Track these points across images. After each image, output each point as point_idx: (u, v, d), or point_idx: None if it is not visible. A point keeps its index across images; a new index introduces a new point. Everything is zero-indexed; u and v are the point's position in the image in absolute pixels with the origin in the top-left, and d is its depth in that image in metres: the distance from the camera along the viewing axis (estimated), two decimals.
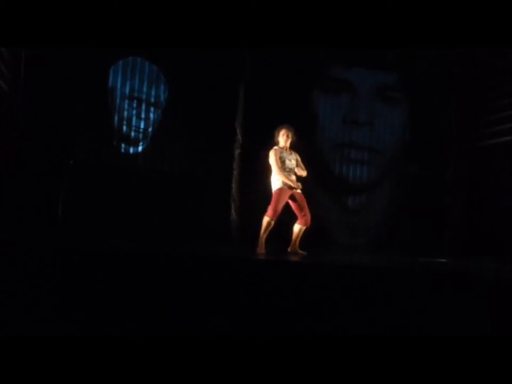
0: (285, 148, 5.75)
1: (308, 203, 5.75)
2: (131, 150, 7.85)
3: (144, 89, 7.83)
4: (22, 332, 3.45)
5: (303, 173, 5.74)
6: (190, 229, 7.24)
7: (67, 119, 7.34)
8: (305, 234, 5.73)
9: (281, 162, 5.64)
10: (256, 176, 7.49)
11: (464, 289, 4.27)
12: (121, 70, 7.74)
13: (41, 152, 7.04)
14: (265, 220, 5.58)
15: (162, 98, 7.90)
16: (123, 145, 7.80)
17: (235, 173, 7.63)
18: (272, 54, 7.35)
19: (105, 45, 5.26)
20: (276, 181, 5.65)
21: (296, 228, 5.70)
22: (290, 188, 5.61)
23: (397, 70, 8.26)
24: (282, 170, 5.61)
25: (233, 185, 7.63)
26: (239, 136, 7.68)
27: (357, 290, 4.19)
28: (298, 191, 5.68)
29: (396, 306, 4.13)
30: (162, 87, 7.88)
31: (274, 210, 5.55)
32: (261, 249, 5.54)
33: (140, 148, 7.87)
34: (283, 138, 5.73)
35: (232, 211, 7.61)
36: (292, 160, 5.74)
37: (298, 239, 5.71)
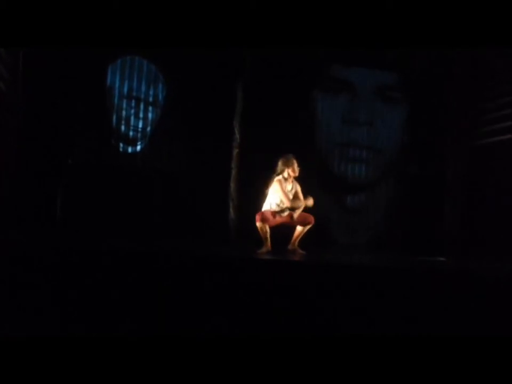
0: (289, 179, 5.73)
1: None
2: (129, 149, 7.83)
3: (143, 88, 7.80)
4: (22, 332, 3.45)
5: (300, 204, 5.71)
6: (189, 229, 7.23)
7: (65, 119, 7.32)
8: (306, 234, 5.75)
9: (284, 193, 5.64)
10: (254, 175, 7.50)
11: (464, 289, 4.28)
12: (119, 69, 7.71)
13: (40, 152, 7.01)
14: (257, 225, 5.63)
15: (160, 97, 7.88)
16: (121, 145, 7.78)
17: (233, 172, 7.61)
18: (271, 54, 7.33)
19: (103, 45, 5.25)
20: (265, 204, 5.72)
21: (299, 226, 5.74)
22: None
23: (397, 70, 8.25)
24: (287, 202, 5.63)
25: (232, 185, 7.61)
26: (237, 136, 7.66)
27: (357, 290, 4.19)
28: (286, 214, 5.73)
29: (396, 306, 4.13)
30: (160, 86, 7.86)
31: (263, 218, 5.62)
32: (266, 247, 5.59)
33: (138, 148, 7.85)
34: (292, 169, 5.70)
35: (231, 210, 7.60)
36: (290, 195, 5.74)
37: (299, 238, 5.73)
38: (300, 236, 5.74)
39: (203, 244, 6.16)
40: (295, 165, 5.72)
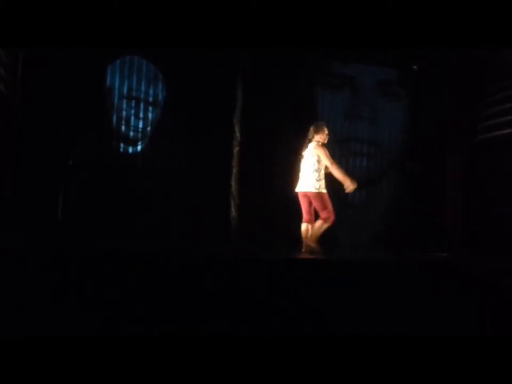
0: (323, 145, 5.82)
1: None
2: (130, 149, 7.83)
3: (142, 88, 7.81)
4: (22, 332, 3.45)
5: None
6: (190, 228, 7.23)
7: (65, 120, 7.31)
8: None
9: (317, 160, 5.71)
10: (255, 174, 7.50)
11: (465, 286, 4.28)
12: (118, 69, 7.72)
13: (40, 153, 7.02)
14: (323, 226, 5.68)
15: (160, 97, 7.88)
16: (122, 145, 7.79)
17: (234, 171, 7.61)
18: (271, 52, 7.31)
19: (103, 45, 5.24)
20: (317, 181, 5.70)
21: (318, 223, 5.75)
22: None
23: (397, 67, 8.27)
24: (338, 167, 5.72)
25: (233, 184, 7.61)
26: (237, 134, 7.66)
27: (357, 288, 4.19)
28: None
29: (397, 304, 4.13)
30: (160, 86, 7.86)
31: (330, 211, 5.65)
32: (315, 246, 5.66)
33: (139, 148, 7.85)
34: (322, 135, 5.80)
35: (232, 209, 7.59)
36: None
37: (318, 236, 5.76)
38: (319, 234, 5.76)
39: (204, 244, 6.16)
40: (326, 132, 5.83)
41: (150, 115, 7.89)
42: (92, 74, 7.44)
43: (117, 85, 7.71)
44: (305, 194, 5.76)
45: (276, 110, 7.68)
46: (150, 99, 7.86)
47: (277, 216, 7.33)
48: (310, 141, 5.85)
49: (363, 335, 3.71)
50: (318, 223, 5.69)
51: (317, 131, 5.82)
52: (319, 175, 5.70)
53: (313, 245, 5.65)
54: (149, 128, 7.88)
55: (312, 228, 5.72)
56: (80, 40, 4.84)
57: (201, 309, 3.92)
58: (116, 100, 7.73)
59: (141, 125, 7.85)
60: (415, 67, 8.09)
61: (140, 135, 7.84)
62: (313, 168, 5.70)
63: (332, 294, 4.16)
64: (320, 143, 5.79)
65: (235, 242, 7.17)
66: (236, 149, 7.63)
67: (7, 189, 6.74)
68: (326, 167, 5.76)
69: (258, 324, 3.91)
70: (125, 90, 7.75)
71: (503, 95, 7.27)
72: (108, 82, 7.67)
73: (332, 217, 5.65)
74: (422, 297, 4.21)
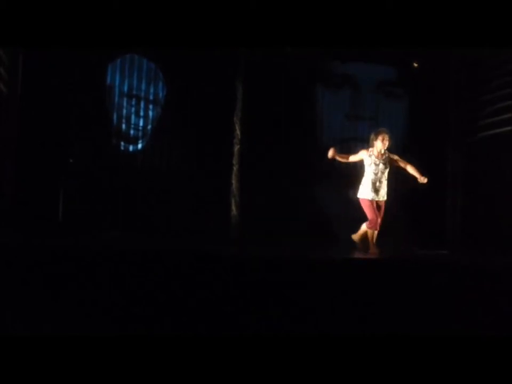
0: (378, 152, 5.79)
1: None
2: (130, 148, 7.84)
3: (143, 86, 7.81)
4: (23, 332, 3.46)
5: (415, 174, 5.87)
6: (190, 226, 7.24)
7: (66, 119, 7.33)
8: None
9: (368, 166, 5.76)
10: (256, 172, 7.50)
11: (466, 283, 4.29)
12: (119, 68, 7.72)
13: (41, 152, 7.02)
14: (369, 232, 5.75)
15: (160, 95, 7.88)
16: (122, 143, 7.80)
17: (235, 169, 7.61)
18: (271, 51, 7.31)
19: (102, 45, 5.24)
20: (362, 189, 5.79)
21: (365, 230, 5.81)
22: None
23: (398, 66, 8.26)
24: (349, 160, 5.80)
25: (233, 182, 7.60)
26: (238, 132, 7.65)
27: (358, 287, 4.20)
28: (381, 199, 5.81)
29: (396, 303, 4.14)
30: (160, 84, 7.87)
31: (372, 219, 5.69)
32: (373, 249, 5.72)
33: (139, 146, 7.86)
34: (381, 143, 5.76)
35: (233, 207, 7.59)
36: (381, 165, 5.80)
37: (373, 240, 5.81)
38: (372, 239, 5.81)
39: (204, 242, 6.16)
40: (385, 136, 5.78)
41: (150, 113, 7.90)
42: (92, 73, 7.44)
43: (117, 84, 7.72)
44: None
45: (276, 108, 7.68)
46: (151, 97, 7.86)
47: (278, 214, 7.34)
48: (371, 147, 5.83)
49: (363, 334, 3.72)
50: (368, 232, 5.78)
51: (375, 138, 5.80)
52: (363, 181, 5.79)
53: (373, 245, 5.75)
54: (149, 127, 7.89)
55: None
56: (80, 40, 4.84)
57: (201, 309, 3.93)
58: (116, 98, 7.73)
59: (141, 123, 7.86)
60: (415, 66, 8.07)
61: (140, 133, 7.85)
62: (369, 179, 5.78)
63: (332, 293, 4.17)
64: (371, 150, 5.80)
65: (236, 241, 7.17)
66: (236, 147, 7.62)
67: (7, 188, 6.75)
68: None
69: (259, 323, 3.92)
70: (125, 88, 7.76)
71: (503, 93, 7.28)
72: (108, 81, 7.68)
73: (373, 226, 5.69)
74: (422, 295, 4.22)
